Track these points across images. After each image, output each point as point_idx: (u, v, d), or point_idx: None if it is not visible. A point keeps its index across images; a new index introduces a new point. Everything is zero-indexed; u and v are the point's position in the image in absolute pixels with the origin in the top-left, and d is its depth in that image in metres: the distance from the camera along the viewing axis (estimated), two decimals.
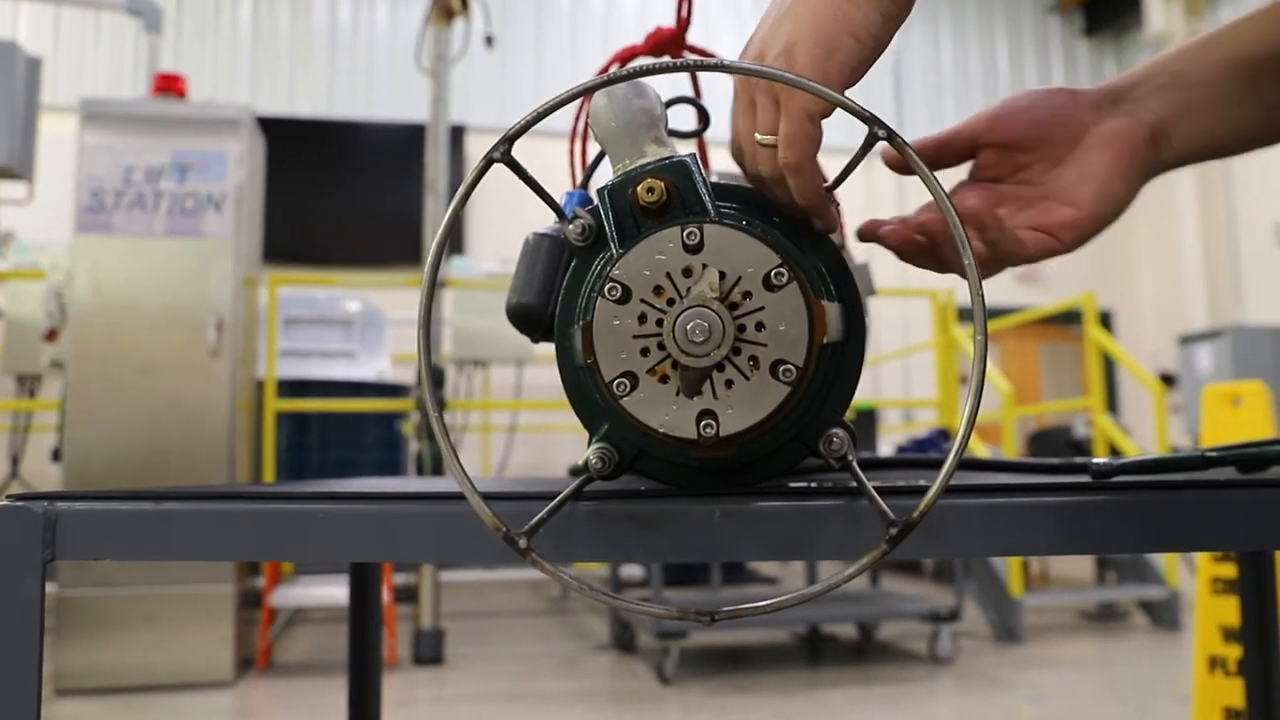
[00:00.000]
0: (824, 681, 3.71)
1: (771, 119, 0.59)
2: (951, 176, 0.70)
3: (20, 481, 5.90)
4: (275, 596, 4.09)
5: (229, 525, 0.59)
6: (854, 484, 0.56)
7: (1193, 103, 0.71)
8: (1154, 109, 0.71)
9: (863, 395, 5.93)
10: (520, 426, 6.98)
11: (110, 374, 3.67)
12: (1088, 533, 0.58)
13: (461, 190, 0.50)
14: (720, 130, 0.91)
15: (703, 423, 0.53)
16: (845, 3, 0.57)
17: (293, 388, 5.11)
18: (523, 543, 0.52)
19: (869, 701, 3.39)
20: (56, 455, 4.30)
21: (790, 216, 0.60)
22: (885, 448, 7.42)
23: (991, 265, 0.68)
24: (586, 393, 0.58)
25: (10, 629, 0.57)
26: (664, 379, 0.53)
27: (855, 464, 0.56)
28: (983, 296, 0.49)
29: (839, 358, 0.58)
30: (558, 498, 0.54)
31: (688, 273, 0.53)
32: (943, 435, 5.46)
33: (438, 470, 4.14)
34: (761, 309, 0.53)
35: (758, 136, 0.60)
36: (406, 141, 7.86)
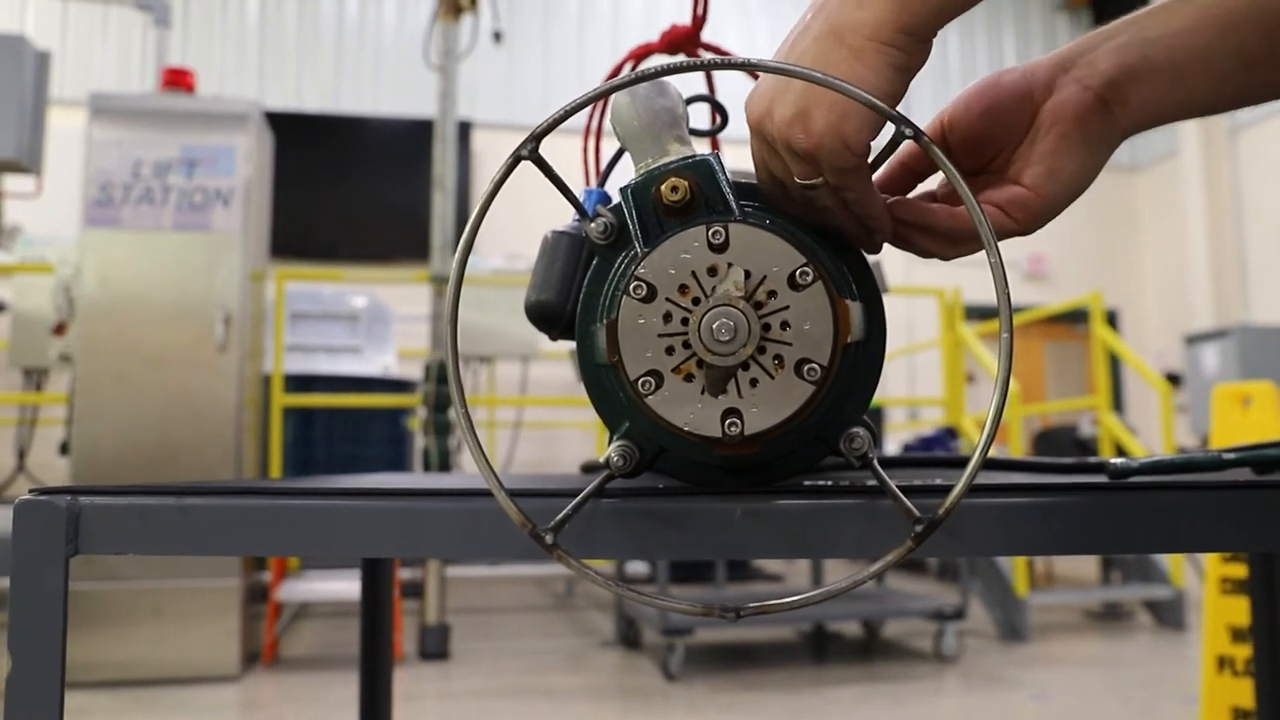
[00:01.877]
0: (829, 679, 3.71)
1: (802, 169, 0.59)
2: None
3: (27, 475, 5.91)
4: (282, 591, 4.10)
5: (251, 520, 0.59)
6: (871, 482, 0.56)
7: (1152, 59, 0.66)
8: (1106, 71, 0.66)
9: None
10: (525, 423, 6.99)
11: (118, 368, 3.68)
12: (1107, 533, 0.59)
13: (490, 187, 0.51)
14: (737, 129, 0.92)
15: (727, 421, 0.53)
16: (856, 64, 0.56)
17: (299, 383, 5.12)
18: (549, 539, 0.52)
19: (874, 699, 3.39)
20: (64, 449, 4.32)
21: (842, 233, 0.61)
22: (891, 446, 7.41)
23: (945, 246, 0.66)
24: (608, 390, 0.58)
25: (34, 622, 0.57)
26: (689, 378, 0.53)
27: (876, 462, 0.56)
28: (1009, 295, 0.49)
29: (860, 356, 0.58)
30: (581, 494, 0.54)
31: (713, 271, 0.53)
32: (949, 433, 5.46)
33: (444, 466, 4.14)
34: (787, 308, 0.53)
35: (799, 182, 0.59)
36: (414, 137, 7.86)
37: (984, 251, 0.54)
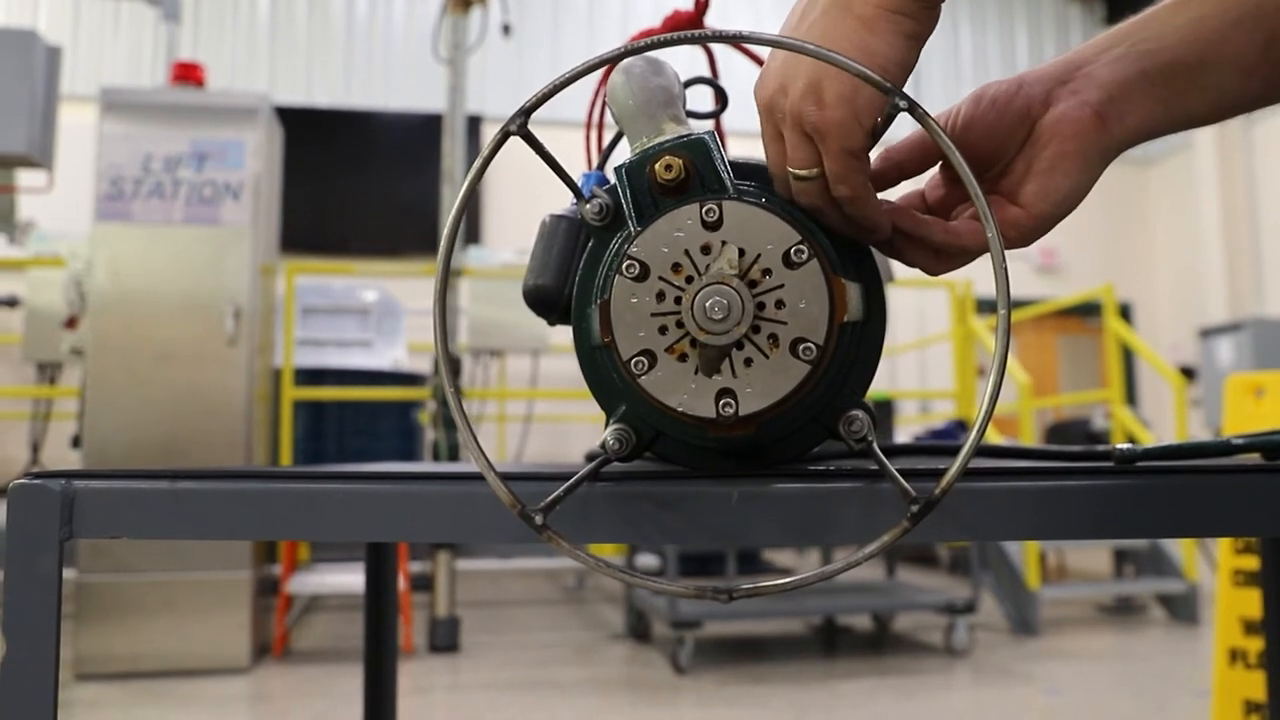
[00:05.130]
0: (839, 672, 3.70)
1: (805, 154, 0.58)
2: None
3: (40, 469, 5.94)
4: (292, 584, 4.11)
5: (245, 504, 0.59)
6: (872, 467, 0.55)
7: (1149, 72, 0.65)
8: (1103, 85, 0.65)
9: (879, 386, 5.89)
10: (535, 416, 6.99)
11: (129, 362, 3.69)
12: (1111, 517, 0.58)
13: (478, 163, 0.50)
14: (737, 113, 0.91)
15: (721, 401, 0.53)
16: (866, 33, 0.55)
17: (309, 376, 5.13)
18: (539, 519, 0.51)
19: (884, 693, 3.38)
20: (76, 442, 4.34)
21: (843, 235, 0.59)
22: (902, 439, 7.38)
23: (933, 261, 0.66)
24: (604, 373, 0.58)
25: (29, 606, 0.57)
26: (683, 357, 0.53)
27: (875, 445, 0.55)
28: (1006, 270, 0.48)
29: (859, 338, 0.57)
30: (574, 477, 0.53)
31: (707, 250, 0.53)
32: (960, 426, 5.44)
33: (454, 458, 4.15)
34: (781, 286, 0.52)
35: (794, 171, 0.58)
36: (423, 131, 7.87)
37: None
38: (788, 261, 0.52)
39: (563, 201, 0.66)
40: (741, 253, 0.52)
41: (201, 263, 3.77)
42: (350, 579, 4.20)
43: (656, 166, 0.56)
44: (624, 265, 0.53)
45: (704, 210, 0.53)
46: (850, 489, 0.56)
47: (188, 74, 4.03)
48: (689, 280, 0.52)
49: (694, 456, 0.60)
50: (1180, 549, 4.75)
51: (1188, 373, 8.41)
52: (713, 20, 1.09)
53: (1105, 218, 9.86)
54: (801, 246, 0.52)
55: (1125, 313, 9.86)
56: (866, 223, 0.59)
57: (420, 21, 8.69)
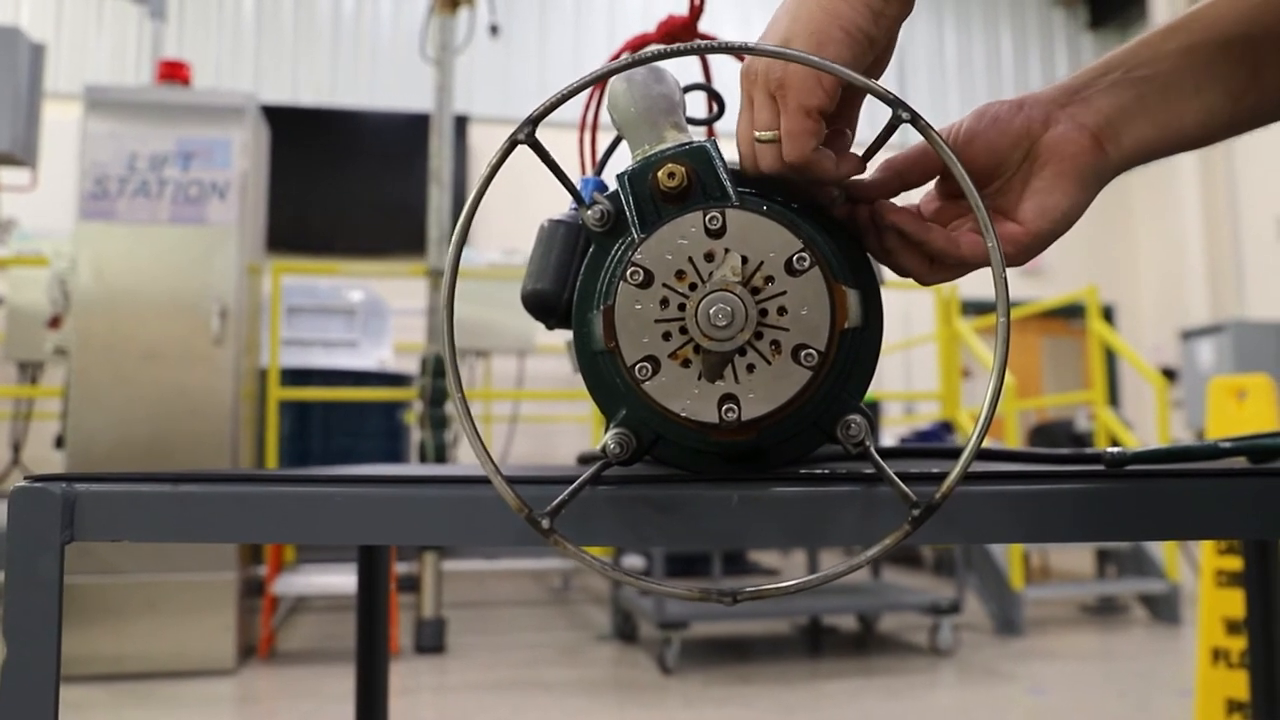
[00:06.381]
0: (824, 673, 3.71)
1: (768, 116, 0.60)
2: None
3: (22, 469, 5.90)
4: (278, 584, 4.10)
5: (248, 508, 0.59)
6: (869, 471, 0.56)
7: (1145, 97, 0.68)
8: (1101, 109, 0.68)
9: None
10: (521, 417, 6.99)
11: (114, 362, 3.67)
12: (1104, 520, 0.59)
13: (486, 171, 0.50)
14: (732, 119, 0.92)
15: (724, 407, 0.53)
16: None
17: (295, 377, 5.12)
18: (546, 524, 0.52)
19: (869, 693, 3.40)
20: (59, 442, 4.30)
21: (811, 201, 0.61)
22: (887, 440, 7.41)
23: (927, 270, 0.67)
24: (605, 378, 0.58)
25: (30, 610, 0.57)
26: (686, 363, 0.53)
27: (873, 450, 0.56)
28: (1006, 279, 0.49)
29: (858, 343, 0.58)
30: (578, 481, 0.54)
31: (710, 257, 0.53)
32: (945, 428, 5.46)
33: (441, 459, 4.14)
34: (783, 293, 0.53)
35: (756, 134, 0.60)
36: (410, 131, 7.85)
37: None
38: (790, 269, 0.53)
39: (553, 203, 0.66)
40: (744, 260, 0.53)
41: (187, 262, 3.75)
42: (336, 579, 4.19)
43: (659, 174, 0.56)
44: (628, 272, 0.54)
45: (707, 218, 0.53)
46: (849, 493, 0.57)
47: (174, 72, 4.01)
48: (693, 287, 0.53)
49: (693, 460, 0.60)
50: (1162, 549, 4.80)
51: (1169, 374, 8.48)
52: (702, 24, 1.09)
53: (1089, 221, 9.70)
54: (804, 254, 0.53)
55: (1108, 314, 9.93)
56: (817, 182, 0.61)
57: (407, 21, 8.67)
